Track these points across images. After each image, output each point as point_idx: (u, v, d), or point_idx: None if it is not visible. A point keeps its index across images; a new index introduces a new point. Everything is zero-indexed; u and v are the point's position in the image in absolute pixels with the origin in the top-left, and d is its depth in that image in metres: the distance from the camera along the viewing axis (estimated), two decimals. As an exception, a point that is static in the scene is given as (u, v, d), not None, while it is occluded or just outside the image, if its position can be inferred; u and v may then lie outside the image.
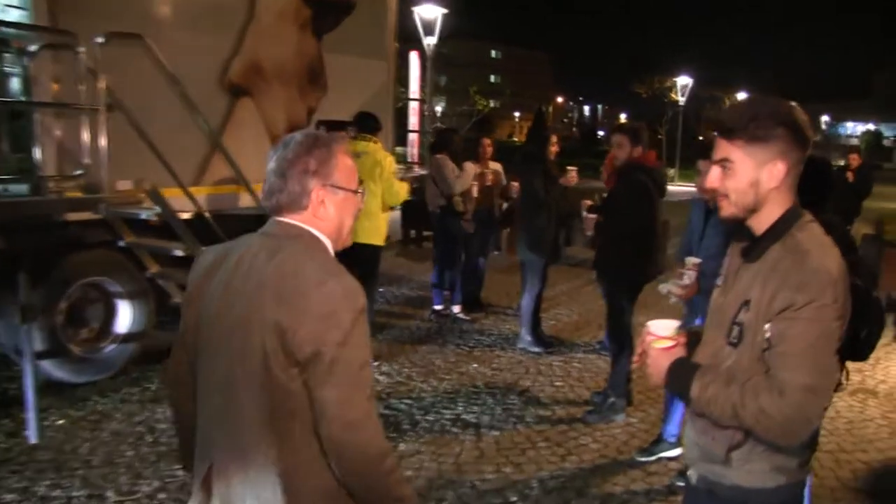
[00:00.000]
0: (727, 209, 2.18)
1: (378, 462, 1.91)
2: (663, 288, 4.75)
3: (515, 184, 8.07)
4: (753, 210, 2.15)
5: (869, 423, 6.01)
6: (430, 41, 21.25)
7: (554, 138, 7.61)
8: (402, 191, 6.88)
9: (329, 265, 1.94)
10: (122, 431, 5.27)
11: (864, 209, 13.71)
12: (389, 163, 6.79)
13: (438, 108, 71.58)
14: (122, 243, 6.04)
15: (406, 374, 6.72)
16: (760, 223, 2.16)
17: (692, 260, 4.59)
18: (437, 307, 8.68)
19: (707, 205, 4.63)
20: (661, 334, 2.30)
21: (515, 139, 65.73)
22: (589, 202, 6.34)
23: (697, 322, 5.00)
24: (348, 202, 2.05)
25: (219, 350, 1.96)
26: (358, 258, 6.98)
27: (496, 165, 8.84)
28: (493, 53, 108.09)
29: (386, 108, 8.86)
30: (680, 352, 2.29)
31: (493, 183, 8.54)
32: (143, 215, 5.77)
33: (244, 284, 1.92)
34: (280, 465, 1.89)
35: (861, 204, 13.34)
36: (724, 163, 2.14)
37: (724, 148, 2.14)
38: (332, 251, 2.04)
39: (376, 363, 6.85)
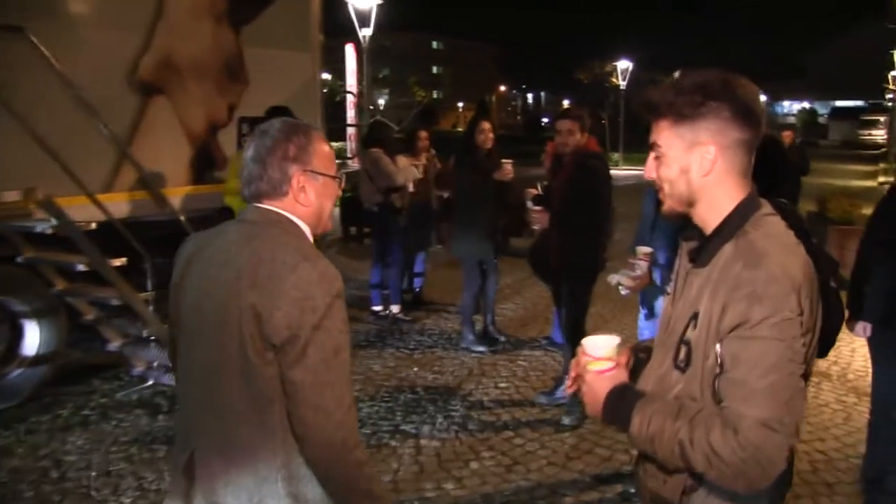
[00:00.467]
0: (666, 202, 1.85)
1: (346, 451, 1.89)
2: (613, 279, 4.50)
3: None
4: (690, 203, 1.81)
5: (824, 408, 5.79)
6: (365, 33, 20.81)
7: (485, 126, 7.02)
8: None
9: (305, 249, 1.93)
10: (22, 468, 4.77)
11: (803, 186, 13.54)
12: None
13: (381, 101, 71.21)
14: (20, 259, 5.56)
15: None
16: (707, 219, 1.81)
17: (643, 249, 4.36)
18: (376, 308, 8.30)
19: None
20: (597, 355, 1.93)
21: (460, 129, 65.40)
22: (534, 191, 6.00)
23: (645, 331, 4.78)
24: (328, 187, 2.05)
25: (199, 339, 1.97)
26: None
27: (427, 159, 8.48)
28: (435, 45, 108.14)
29: (312, 102, 8.42)
30: (620, 376, 1.93)
31: (424, 175, 8.17)
32: (38, 228, 5.30)
33: (221, 272, 1.92)
34: (261, 451, 1.88)
35: (801, 181, 13.24)
36: (654, 148, 1.84)
37: (654, 131, 1.83)
38: (310, 237, 2.04)
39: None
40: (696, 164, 1.76)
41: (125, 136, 6.40)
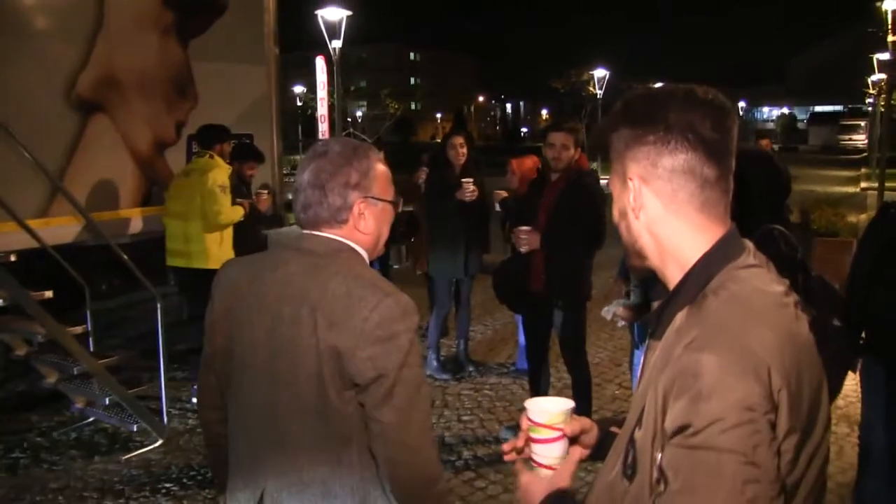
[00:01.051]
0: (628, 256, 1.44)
1: (432, 485, 1.89)
2: (608, 312, 4.12)
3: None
4: (640, 254, 1.38)
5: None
6: (335, 45, 20.51)
7: (457, 141, 6.58)
8: (224, 211, 5.81)
9: (381, 283, 1.86)
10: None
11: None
12: (214, 177, 5.77)
13: (359, 113, 70.86)
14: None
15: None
16: (667, 275, 1.36)
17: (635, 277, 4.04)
18: None
19: None
20: (540, 420, 1.49)
21: (438, 140, 65.21)
22: (503, 193, 5.76)
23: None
24: (386, 213, 1.99)
25: (261, 377, 1.88)
26: (182, 283, 6.29)
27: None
28: (412, 56, 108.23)
29: (267, 117, 8.05)
30: (561, 477, 1.50)
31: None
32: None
33: (286, 307, 1.82)
34: (338, 490, 1.84)
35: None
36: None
37: None
38: (368, 264, 1.98)
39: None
40: (629, 204, 1.35)
41: (62, 157, 6.03)
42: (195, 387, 6.00)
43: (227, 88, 7.47)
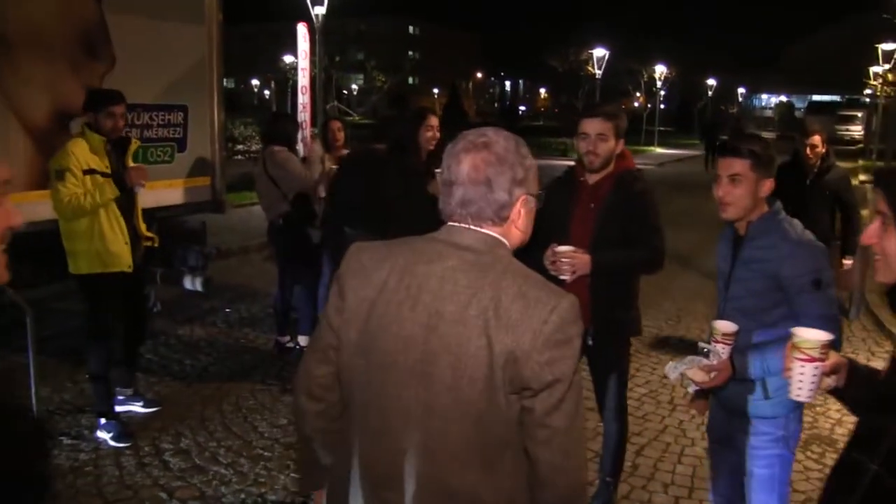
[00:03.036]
0: None
1: (583, 491, 1.92)
2: (674, 370, 2.89)
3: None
4: None
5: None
6: (318, 11, 19.30)
7: (433, 122, 5.44)
8: (57, 199, 4.75)
9: (550, 285, 1.81)
10: None
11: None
12: (54, 161, 4.78)
13: (354, 86, 69.57)
14: None
15: (210, 451, 4.92)
16: None
17: (723, 326, 2.82)
18: (282, 339, 6.83)
19: (735, 230, 3.09)
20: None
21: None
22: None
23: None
24: (534, 209, 1.93)
25: (410, 377, 1.78)
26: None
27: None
28: (411, 29, 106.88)
29: (203, 85, 6.92)
30: None
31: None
32: None
33: (447, 305, 1.75)
34: (486, 498, 1.79)
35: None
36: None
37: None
38: None
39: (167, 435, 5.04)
40: None
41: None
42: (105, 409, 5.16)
43: (155, 50, 6.34)
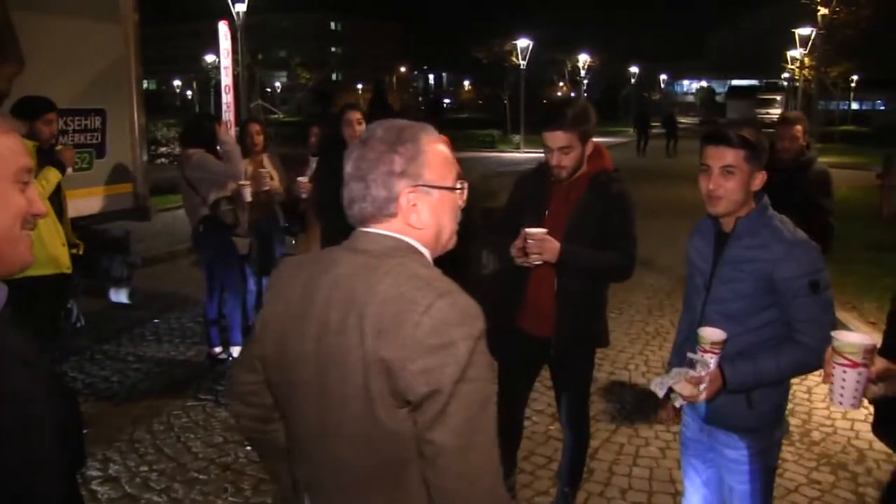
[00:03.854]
0: None
1: None
2: (661, 387, 2.66)
3: (303, 179, 6.06)
4: None
5: (793, 493, 4.44)
6: (239, 8, 18.88)
7: (354, 116, 5.40)
8: None
9: (437, 282, 1.62)
10: None
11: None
12: None
13: (277, 84, 68.64)
14: None
15: (142, 476, 4.62)
16: None
17: (711, 334, 2.62)
18: (215, 350, 6.52)
19: (718, 225, 2.83)
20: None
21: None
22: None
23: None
24: (446, 201, 1.76)
25: (309, 393, 1.68)
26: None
27: (268, 160, 6.77)
28: (333, 25, 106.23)
29: (124, 87, 6.56)
30: None
31: (273, 187, 6.43)
32: None
33: (336, 314, 1.63)
34: None
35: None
36: None
37: None
38: (431, 262, 1.74)
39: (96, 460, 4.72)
40: None
41: None
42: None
43: (68, 50, 5.98)
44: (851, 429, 5.19)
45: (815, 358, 2.55)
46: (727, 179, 2.66)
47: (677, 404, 2.75)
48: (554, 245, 3.42)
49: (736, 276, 2.73)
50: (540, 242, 3.41)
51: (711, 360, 2.61)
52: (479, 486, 1.58)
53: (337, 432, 1.65)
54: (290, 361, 1.72)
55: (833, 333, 2.04)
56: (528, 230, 3.44)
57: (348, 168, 1.75)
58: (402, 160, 1.69)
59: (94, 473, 4.63)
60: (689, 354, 2.69)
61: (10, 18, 5.50)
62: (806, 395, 5.73)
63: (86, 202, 6.22)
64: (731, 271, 2.74)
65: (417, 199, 1.71)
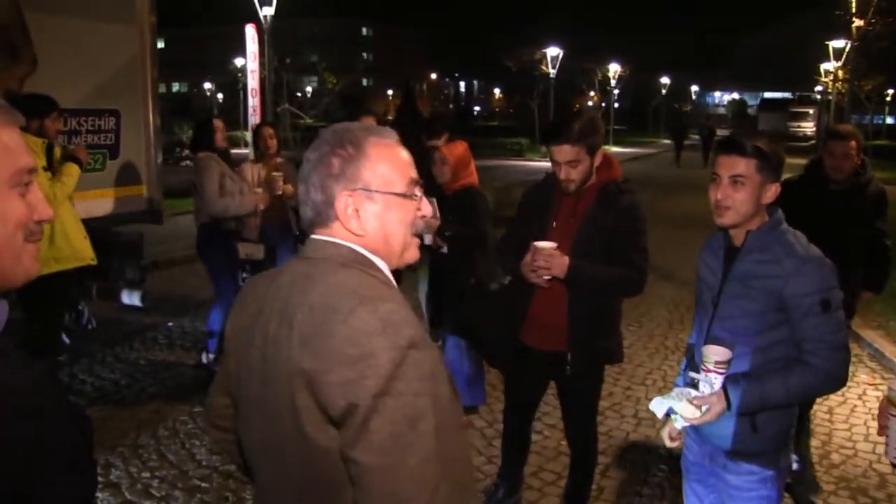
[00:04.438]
0: None
1: None
2: (660, 406, 2.53)
3: (289, 186, 6.05)
4: None
5: None
6: (267, 12, 18.89)
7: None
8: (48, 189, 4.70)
9: (364, 288, 1.53)
10: None
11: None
12: None
13: (308, 88, 68.92)
14: None
15: (143, 483, 4.54)
16: None
17: (715, 353, 2.51)
18: (206, 359, 6.35)
19: (728, 238, 2.70)
20: None
21: (389, 117, 63.59)
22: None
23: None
24: (394, 208, 1.65)
25: (257, 408, 1.62)
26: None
27: (283, 165, 6.67)
28: (364, 31, 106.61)
29: (138, 89, 6.51)
30: None
31: (286, 192, 6.33)
32: None
33: (272, 325, 1.57)
34: None
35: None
36: None
37: None
38: (386, 271, 1.67)
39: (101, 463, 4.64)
40: None
41: None
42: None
43: (81, 51, 5.93)
44: (874, 452, 4.98)
45: (825, 380, 2.48)
46: (736, 190, 2.54)
47: (678, 426, 2.59)
48: (563, 260, 3.33)
49: (745, 292, 2.59)
50: (548, 258, 3.33)
51: (716, 381, 2.48)
52: None
53: (275, 449, 1.58)
54: (243, 376, 1.67)
55: (889, 384, 1.91)
56: (536, 244, 3.36)
57: (302, 170, 1.70)
58: (339, 162, 1.61)
59: (95, 479, 4.56)
60: (691, 374, 2.58)
61: (23, 19, 5.50)
62: (827, 416, 5.54)
63: (98, 203, 6.18)
64: (739, 287, 2.61)
65: (358, 204, 1.62)
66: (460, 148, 5.14)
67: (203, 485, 4.54)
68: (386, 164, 1.65)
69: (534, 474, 4.64)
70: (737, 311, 2.61)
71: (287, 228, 6.75)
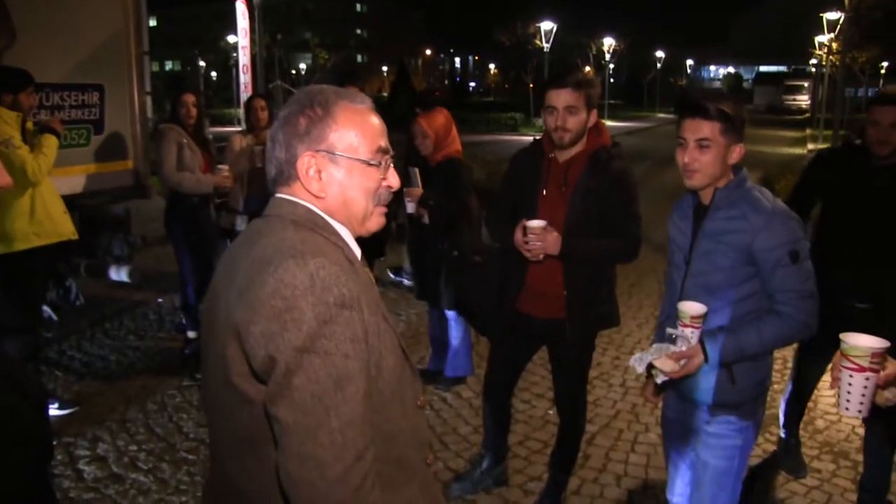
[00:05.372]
0: None
1: None
2: (640, 362, 2.60)
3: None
4: None
5: (791, 483, 4.27)
6: (257, -12, 18.78)
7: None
8: (29, 161, 4.62)
9: (302, 244, 1.50)
10: None
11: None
12: None
13: (302, 65, 68.54)
14: None
15: (130, 456, 4.54)
16: None
17: (690, 308, 2.56)
18: (191, 334, 6.26)
19: (696, 198, 2.75)
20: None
21: (385, 94, 63.21)
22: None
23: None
24: (357, 174, 1.64)
25: (207, 365, 1.64)
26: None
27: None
28: (359, 7, 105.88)
29: (121, 63, 6.44)
30: None
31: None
32: None
33: (220, 281, 1.62)
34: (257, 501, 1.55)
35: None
36: None
37: None
38: (346, 237, 1.65)
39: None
40: None
41: None
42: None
43: (63, 24, 5.85)
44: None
45: (797, 329, 2.55)
46: (702, 153, 2.59)
47: (659, 381, 2.66)
48: (555, 237, 3.34)
49: (715, 248, 2.65)
50: (541, 235, 3.33)
51: (692, 335, 2.55)
52: (327, 473, 1.41)
53: (213, 401, 1.62)
54: (204, 336, 1.69)
55: (841, 336, 1.94)
56: (527, 223, 3.35)
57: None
58: (306, 122, 1.60)
59: (82, 452, 4.57)
60: (669, 330, 2.63)
61: (2, -9, 5.42)
62: (814, 384, 5.55)
63: (82, 179, 6.13)
64: (710, 243, 2.67)
65: (321, 165, 1.62)
66: (440, 118, 5.06)
67: (190, 457, 4.55)
68: (354, 129, 1.63)
69: (520, 443, 4.65)
70: (709, 266, 2.67)
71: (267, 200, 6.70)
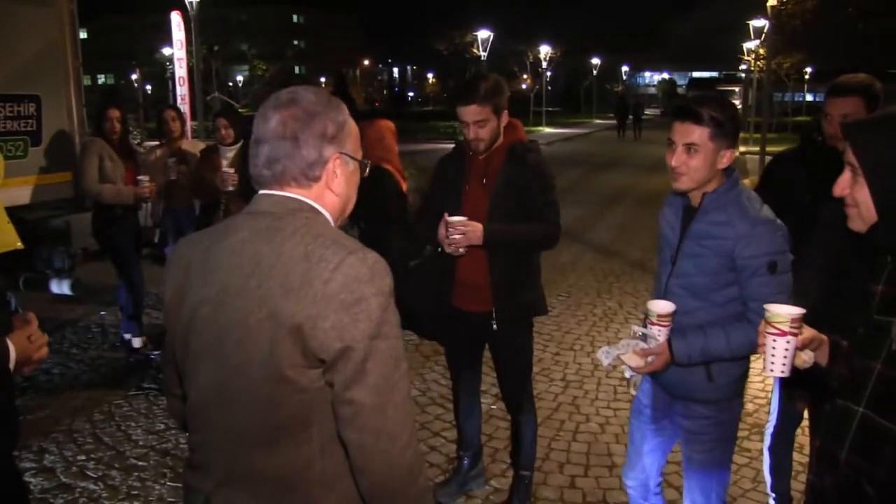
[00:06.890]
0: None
1: (412, 480, 1.64)
2: (607, 356, 2.67)
3: (229, 170, 5.75)
4: None
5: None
6: (193, -1, 18.64)
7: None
8: None
9: (344, 239, 1.64)
10: None
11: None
12: None
13: (239, 77, 67.96)
14: None
15: (78, 465, 4.55)
16: None
17: (658, 307, 2.63)
18: (126, 337, 6.36)
19: (688, 197, 2.78)
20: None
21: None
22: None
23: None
24: (355, 175, 1.81)
25: (211, 359, 1.65)
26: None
27: (195, 146, 6.70)
28: (295, 18, 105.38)
29: (58, 74, 6.40)
30: None
31: (184, 174, 6.34)
32: None
33: (236, 279, 1.61)
34: (296, 482, 1.63)
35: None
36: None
37: None
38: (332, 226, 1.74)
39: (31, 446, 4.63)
40: None
41: None
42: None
43: (-3, 32, 5.81)
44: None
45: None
46: (690, 157, 2.60)
47: (627, 375, 2.76)
48: (476, 228, 3.45)
49: (700, 251, 2.69)
50: (462, 228, 3.44)
51: (660, 333, 2.61)
52: (398, 442, 1.59)
53: (238, 397, 1.64)
54: (192, 331, 1.71)
55: (765, 306, 2.07)
56: (448, 218, 3.47)
57: (272, 126, 1.69)
58: (333, 126, 1.70)
59: (28, 465, 4.54)
60: (635, 327, 2.71)
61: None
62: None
63: (21, 191, 6.07)
64: (695, 245, 2.71)
65: (338, 166, 1.73)
66: (369, 130, 5.18)
67: (140, 463, 4.57)
68: (354, 132, 1.79)
69: (486, 443, 4.71)
70: (692, 269, 2.72)
71: (193, 212, 6.67)
